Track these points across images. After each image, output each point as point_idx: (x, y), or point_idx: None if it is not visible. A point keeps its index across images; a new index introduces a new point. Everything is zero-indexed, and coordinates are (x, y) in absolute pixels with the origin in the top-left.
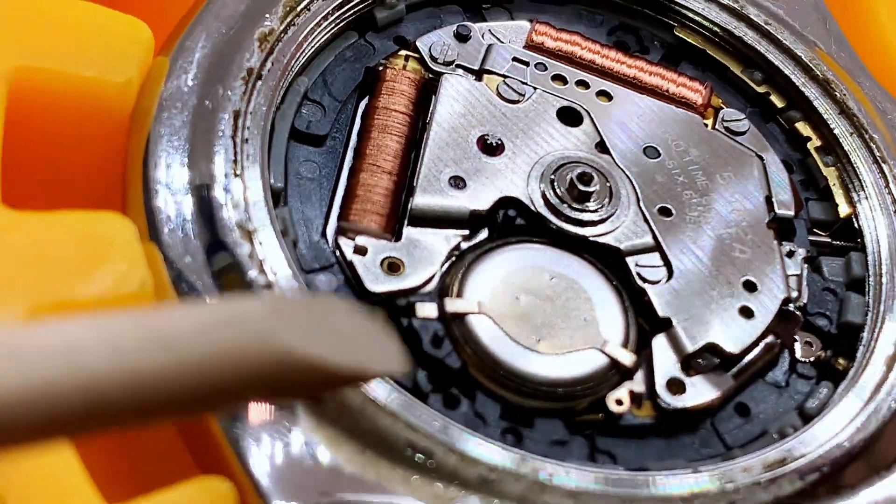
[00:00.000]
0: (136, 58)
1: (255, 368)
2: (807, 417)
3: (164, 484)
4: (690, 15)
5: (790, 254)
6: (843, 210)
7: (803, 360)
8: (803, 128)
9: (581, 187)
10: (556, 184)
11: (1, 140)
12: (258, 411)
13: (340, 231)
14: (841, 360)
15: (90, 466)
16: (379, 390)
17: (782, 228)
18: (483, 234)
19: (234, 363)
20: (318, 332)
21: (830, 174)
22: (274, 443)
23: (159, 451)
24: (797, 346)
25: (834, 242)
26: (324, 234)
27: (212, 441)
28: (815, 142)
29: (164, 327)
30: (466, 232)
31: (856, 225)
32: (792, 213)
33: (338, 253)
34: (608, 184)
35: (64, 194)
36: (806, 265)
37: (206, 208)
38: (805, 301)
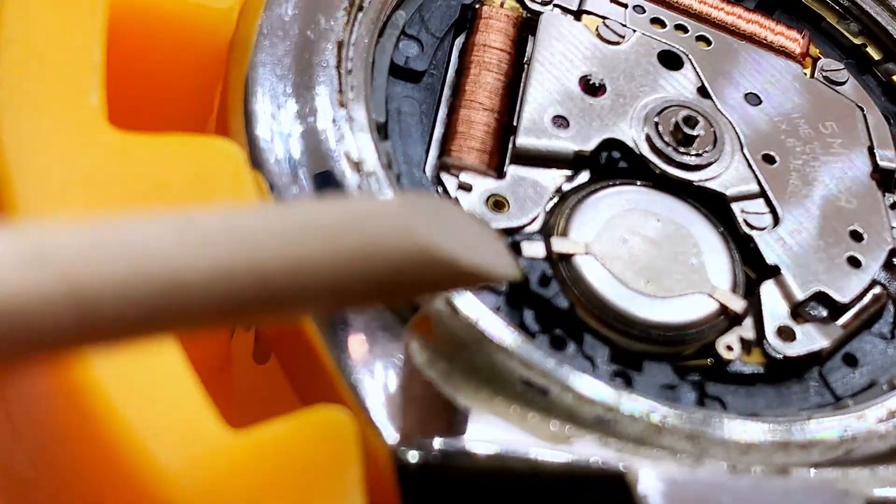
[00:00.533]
0: None
1: (399, 260)
2: None
3: (268, 415)
4: None
5: (893, 205)
6: None
7: None
8: None
9: (686, 130)
10: (660, 126)
11: (105, 59)
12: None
13: (443, 167)
14: None
15: None
16: (492, 327)
17: (884, 180)
18: (584, 176)
19: (380, 254)
20: (448, 230)
21: None
22: (387, 377)
23: (257, 384)
24: None
25: None
26: (424, 171)
27: (323, 373)
28: None
29: (313, 217)
30: (569, 172)
31: None
32: (894, 164)
33: (440, 189)
34: (712, 128)
35: (163, 120)
36: None
37: (312, 138)
38: None
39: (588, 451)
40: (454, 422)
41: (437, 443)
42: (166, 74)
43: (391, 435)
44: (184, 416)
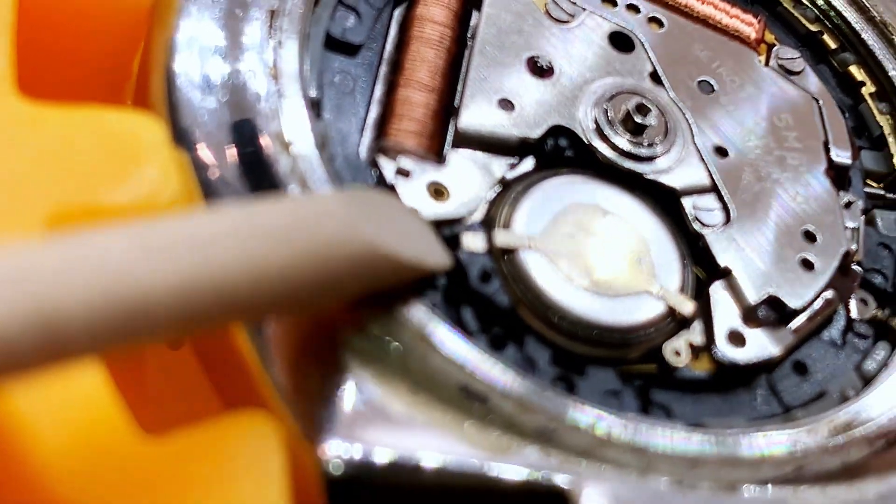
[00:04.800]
0: None
1: (347, 259)
2: (865, 378)
3: (191, 419)
4: None
5: (848, 205)
6: None
7: (859, 318)
8: (857, 72)
9: (638, 119)
10: (609, 114)
11: (14, 23)
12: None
13: (381, 150)
14: None
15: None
16: (430, 327)
17: (838, 177)
18: (529, 163)
19: (331, 255)
20: (385, 224)
21: (885, 122)
22: (317, 379)
23: (182, 387)
24: (852, 304)
25: (888, 195)
26: (359, 153)
27: (245, 375)
28: (869, 87)
29: (266, 221)
30: (514, 159)
31: None
32: (850, 161)
33: (377, 173)
34: (664, 118)
35: (76, 84)
36: (862, 217)
37: (240, 115)
38: (862, 256)
39: (528, 463)
40: (389, 427)
41: (380, 454)
42: (82, 37)
43: (321, 443)
44: (93, 422)
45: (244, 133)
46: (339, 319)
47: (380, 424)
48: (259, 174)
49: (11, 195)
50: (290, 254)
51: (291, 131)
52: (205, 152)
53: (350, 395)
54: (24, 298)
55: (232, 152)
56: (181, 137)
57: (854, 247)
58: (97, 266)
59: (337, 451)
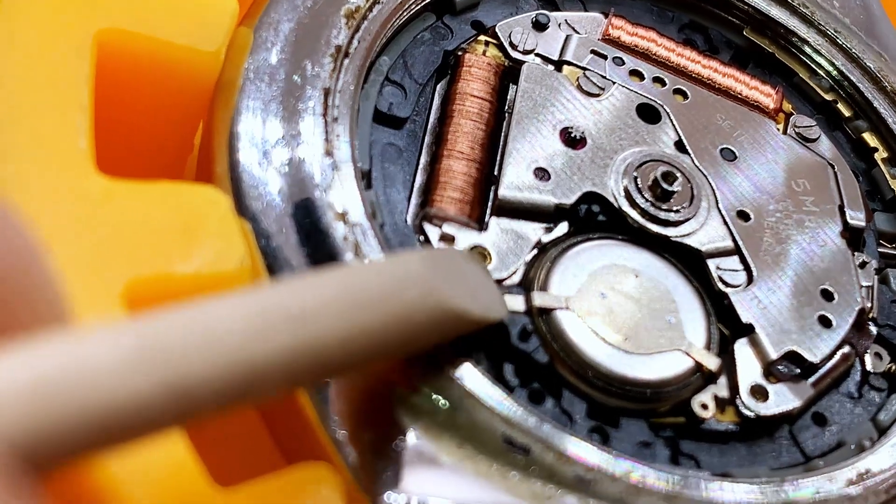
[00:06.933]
0: (223, 27)
1: (426, 320)
2: (881, 429)
3: (255, 474)
4: (760, 17)
5: (862, 264)
6: None
7: (874, 371)
8: (870, 138)
9: (665, 186)
10: (638, 181)
11: (92, 105)
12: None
13: (426, 217)
14: None
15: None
16: (476, 384)
17: (853, 238)
18: (563, 227)
19: (413, 318)
20: (458, 283)
21: None
22: (373, 434)
23: (245, 442)
24: (867, 358)
25: None
26: (406, 220)
27: (307, 430)
28: (882, 153)
29: (358, 291)
30: (549, 225)
31: None
32: (864, 223)
33: (423, 238)
34: (689, 184)
35: (142, 156)
36: (875, 276)
37: (298, 188)
38: (876, 313)
39: None
40: (439, 479)
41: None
42: (150, 114)
43: (379, 495)
44: (173, 473)
45: (302, 205)
46: (393, 378)
47: (432, 476)
48: (316, 243)
49: (94, 265)
50: (380, 319)
51: (345, 202)
52: (266, 222)
53: (404, 448)
54: (158, 368)
55: (291, 222)
56: (244, 209)
57: (869, 304)
58: (220, 335)
59: (394, 502)
